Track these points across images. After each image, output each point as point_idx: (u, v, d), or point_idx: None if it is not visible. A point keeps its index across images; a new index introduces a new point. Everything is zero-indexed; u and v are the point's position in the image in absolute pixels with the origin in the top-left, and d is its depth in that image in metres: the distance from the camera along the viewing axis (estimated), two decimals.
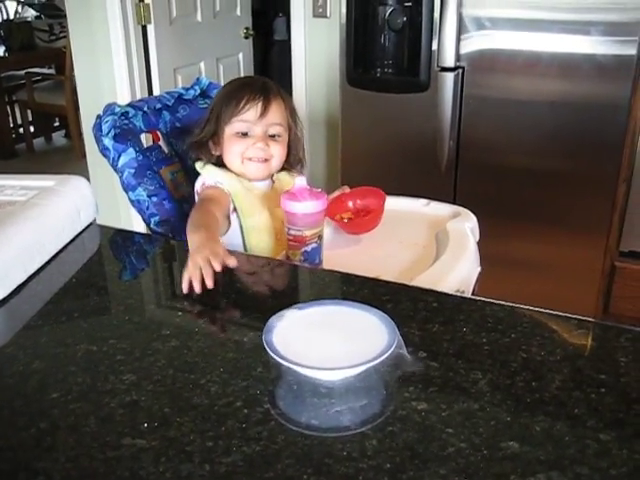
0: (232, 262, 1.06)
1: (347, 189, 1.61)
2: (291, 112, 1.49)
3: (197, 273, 1.02)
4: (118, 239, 1.36)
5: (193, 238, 1.13)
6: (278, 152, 1.44)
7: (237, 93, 1.43)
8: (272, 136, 1.43)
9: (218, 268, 1.03)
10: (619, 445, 0.70)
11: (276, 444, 0.70)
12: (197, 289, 1.01)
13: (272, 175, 1.47)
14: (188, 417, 0.75)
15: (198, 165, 1.46)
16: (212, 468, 0.67)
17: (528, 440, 0.71)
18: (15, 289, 1.05)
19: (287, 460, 0.68)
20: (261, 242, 1.39)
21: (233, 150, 1.43)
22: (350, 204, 1.58)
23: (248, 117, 1.41)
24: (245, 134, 1.42)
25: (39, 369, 0.86)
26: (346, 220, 1.52)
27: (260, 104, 1.41)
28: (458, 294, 1.17)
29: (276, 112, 1.43)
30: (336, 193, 1.60)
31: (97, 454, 0.70)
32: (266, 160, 1.43)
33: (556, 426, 0.73)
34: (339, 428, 0.74)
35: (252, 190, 1.43)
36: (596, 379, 0.82)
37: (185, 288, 1.02)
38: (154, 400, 0.79)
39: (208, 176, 1.43)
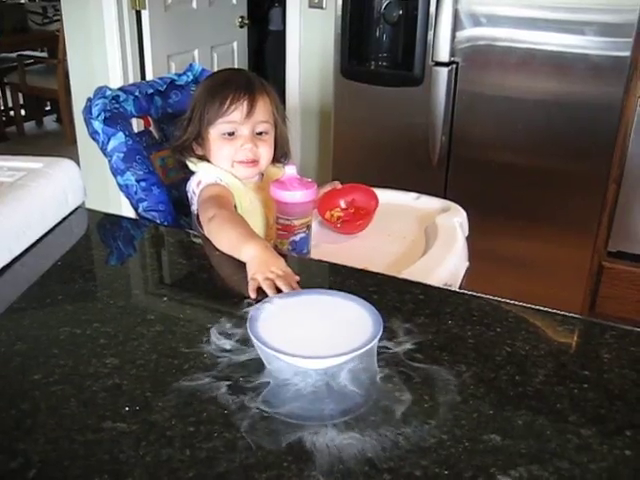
0: (294, 282, 1.02)
1: (338, 185, 1.59)
2: (277, 107, 1.44)
3: (271, 286, 1.00)
4: (106, 223, 1.35)
5: (248, 248, 1.08)
6: (266, 152, 1.40)
7: (220, 91, 1.37)
8: (259, 133, 1.39)
9: (287, 289, 0.99)
10: (600, 440, 0.71)
11: (258, 431, 0.70)
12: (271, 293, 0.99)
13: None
14: (170, 402, 0.75)
15: (190, 164, 1.43)
16: (192, 453, 0.67)
17: (510, 433, 0.71)
18: None
19: (268, 447, 0.68)
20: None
21: (221, 154, 1.39)
22: (342, 203, 1.57)
23: (234, 118, 1.36)
24: (231, 134, 1.38)
25: (21, 351, 0.85)
26: (339, 225, 1.50)
27: (246, 103, 1.36)
28: (445, 287, 1.17)
29: (262, 110, 1.38)
30: (327, 188, 1.58)
31: (77, 437, 0.70)
32: (255, 161, 1.39)
33: (538, 420, 0.74)
34: (321, 417, 0.74)
35: (247, 184, 1.41)
36: (579, 375, 0.82)
37: (254, 295, 1.00)
38: (136, 384, 0.78)
39: (205, 174, 1.40)
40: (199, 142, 1.42)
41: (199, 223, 1.32)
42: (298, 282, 1.02)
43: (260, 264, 1.04)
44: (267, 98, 1.40)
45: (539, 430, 0.72)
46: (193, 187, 1.40)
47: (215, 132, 1.39)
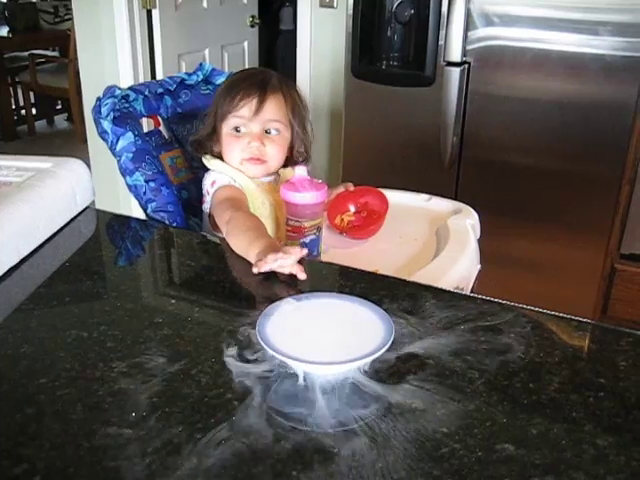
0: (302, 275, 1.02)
1: (351, 187, 1.56)
2: (293, 107, 1.41)
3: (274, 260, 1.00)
4: (114, 224, 1.35)
5: (255, 248, 1.07)
6: (275, 152, 1.39)
7: (235, 87, 1.39)
8: (269, 133, 1.38)
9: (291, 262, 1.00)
10: (617, 451, 0.69)
11: (266, 438, 0.69)
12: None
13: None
14: (177, 408, 0.74)
15: (205, 160, 1.43)
16: (200, 461, 0.66)
17: (524, 443, 0.69)
18: (7, 271, 1.03)
19: (277, 455, 0.67)
20: None
21: (230, 150, 1.39)
22: (352, 207, 1.54)
23: (242, 113, 1.36)
24: (239, 130, 1.38)
25: (28, 353, 0.84)
26: (348, 232, 1.46)
27: (255, 100, 1.35)
28: (457, 291, 1.16)
29: (273, 108, 1.37)
30: (339, 189, 1.56)
31: (83, 442, 0.68)
32: (263, 161, 1.38)
33: (553, 429, 0.72)
34: (331, 424, 0.72)
35: (260, 185, 1.40)
36: (595, 382, 0.81)
37: (256, 270, 1.01)
38: (143, 389, 0.77)
39: (219, 174, 1.39)
40: (215, 137, 1.42)
41: (211, 223, 1.31)
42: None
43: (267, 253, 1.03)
44: (282, 98, 1.39)
45: (554, 440, 0.70)
46: (207, 186, 1.40)
47: (226, 127, 1.39)
